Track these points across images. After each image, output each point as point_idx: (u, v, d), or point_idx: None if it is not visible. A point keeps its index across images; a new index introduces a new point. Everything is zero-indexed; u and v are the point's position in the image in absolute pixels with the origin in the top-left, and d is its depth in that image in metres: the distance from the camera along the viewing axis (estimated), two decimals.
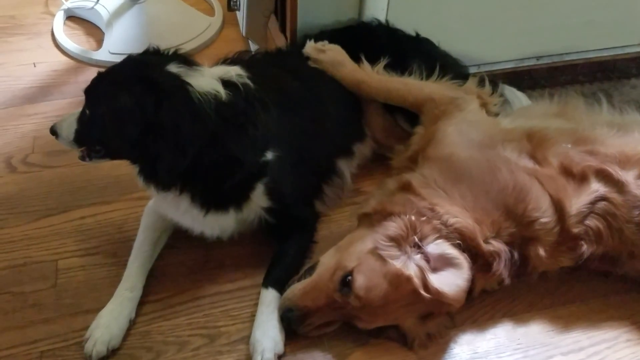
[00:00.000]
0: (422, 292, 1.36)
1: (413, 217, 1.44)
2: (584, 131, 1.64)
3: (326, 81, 1.81)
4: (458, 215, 1.45)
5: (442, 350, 1.50)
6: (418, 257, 1.40)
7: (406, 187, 1.55)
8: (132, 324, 1.49)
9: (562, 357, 1.50)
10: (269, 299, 1.49)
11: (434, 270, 1.39)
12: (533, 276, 1.55)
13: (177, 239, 1.67)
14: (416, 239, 1.41)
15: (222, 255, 1.66)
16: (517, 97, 2.07)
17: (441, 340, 1.50)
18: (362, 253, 1.43)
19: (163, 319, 1.53)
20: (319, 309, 1.42)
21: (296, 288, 1.46)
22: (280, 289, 1.50)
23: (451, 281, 1.37)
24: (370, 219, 1.53)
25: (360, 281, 1.39)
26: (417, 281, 1.37)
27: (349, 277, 1.40)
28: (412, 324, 1.46)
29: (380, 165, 1.89)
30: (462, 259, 1.40)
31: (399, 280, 1.38)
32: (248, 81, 1.48)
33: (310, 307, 1.42)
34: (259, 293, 1.53)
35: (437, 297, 1.36)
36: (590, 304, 1.61)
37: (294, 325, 1.44)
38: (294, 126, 1.64)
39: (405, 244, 1.41)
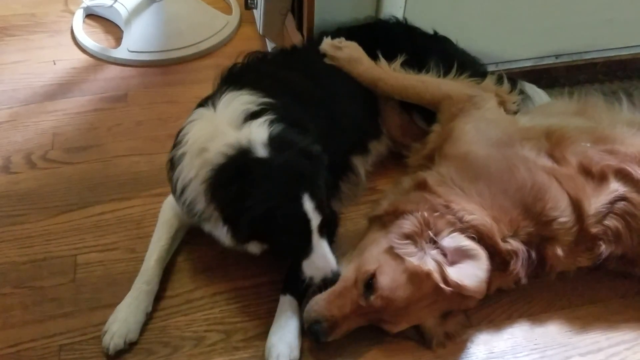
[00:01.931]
0: (443, 285, 1.35)
1: (426, 213, 1.43)
2: (604, 130, 1.63)
3: (341, 78, 1.81)
4: (475, 213, 1.44)
5: (459, 349, 1.49)
6: (434, 252, 1.40)
7: (422, 185, 1.55)
8: (149, 318, 1.50)
9: (581, 357, 1.49)
10: (287, 304, 1.49)
11: (452, 263, 1.38)
12: (551, 276, 1.54)
13: (194, 236, 1.68)
14: (431, 234, 1.41)
15: (239, 252, 1.67)
16: (538, 94, 2.05)
17: (458, 339, 1.49)
18: (379, 254, 1.43)
19: (180, 314, 1.54)
20: (346, 317, 1.40)
21: (320, 299, 1.43)
22: (297, 295, 1.50)
23: (470, 272, 1.36)
24: (382, 221, 1.52)
25: (383, 282, 1.38)
26: (436, 275, 1.36)
27: (372, 280, 1.39)
28: (433, 323, 1.46)
29: (396, 163, 1.89)
30: (479, 249, 1.39)
31: (419, 277, 1.38)
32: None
33: (336, 315, 1.40)
34: (275, 290, 1.54)
35: (458, 290, 1.35)
36: (609, 304, 1.59)
37: (323, 337, 1.41)
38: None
39: (421, 240, 1.41)
